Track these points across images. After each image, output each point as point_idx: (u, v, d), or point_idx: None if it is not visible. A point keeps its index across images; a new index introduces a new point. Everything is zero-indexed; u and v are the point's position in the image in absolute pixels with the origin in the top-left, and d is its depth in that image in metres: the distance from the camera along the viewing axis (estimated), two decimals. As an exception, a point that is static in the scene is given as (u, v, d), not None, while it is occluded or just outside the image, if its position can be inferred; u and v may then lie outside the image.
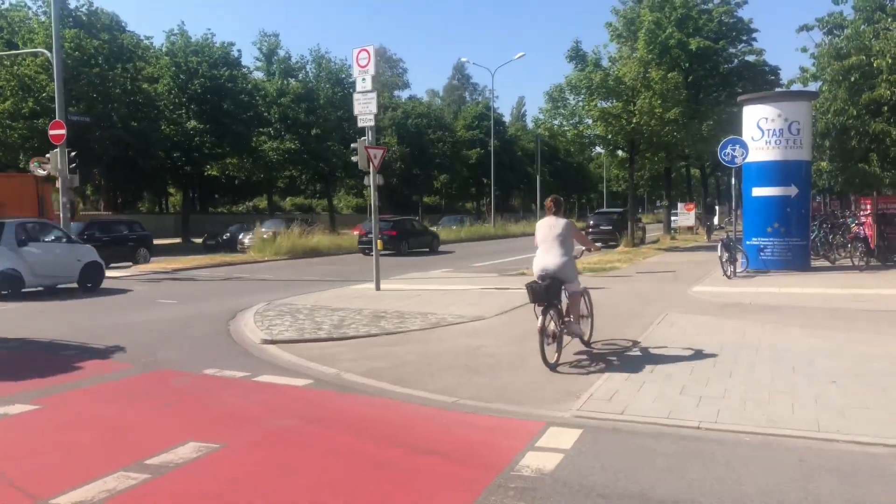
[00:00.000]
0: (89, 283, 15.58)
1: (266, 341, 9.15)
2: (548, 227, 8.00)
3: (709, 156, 35.31)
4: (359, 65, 14.59)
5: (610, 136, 25.71)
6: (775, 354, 7.79)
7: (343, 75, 54.65)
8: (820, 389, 6.39)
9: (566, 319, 7.95)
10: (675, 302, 12.13)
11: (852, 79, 17.43)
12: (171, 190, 57.19)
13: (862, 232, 16.13)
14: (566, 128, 26.45)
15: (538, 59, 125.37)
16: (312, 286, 15.86)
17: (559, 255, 7.83)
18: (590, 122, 25.74)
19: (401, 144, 57.97)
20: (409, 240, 27.89)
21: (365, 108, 14.66)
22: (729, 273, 15.02)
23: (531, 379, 7.14)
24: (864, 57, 17.12)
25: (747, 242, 16.27)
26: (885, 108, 17.15)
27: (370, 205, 14.81)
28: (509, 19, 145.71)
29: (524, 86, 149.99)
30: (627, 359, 7.81)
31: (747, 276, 15.27)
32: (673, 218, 40.71)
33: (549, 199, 8.24)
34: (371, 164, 14.54)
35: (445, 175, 67.04)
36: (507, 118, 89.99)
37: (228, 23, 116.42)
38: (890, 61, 16.45)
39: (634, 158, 27.01)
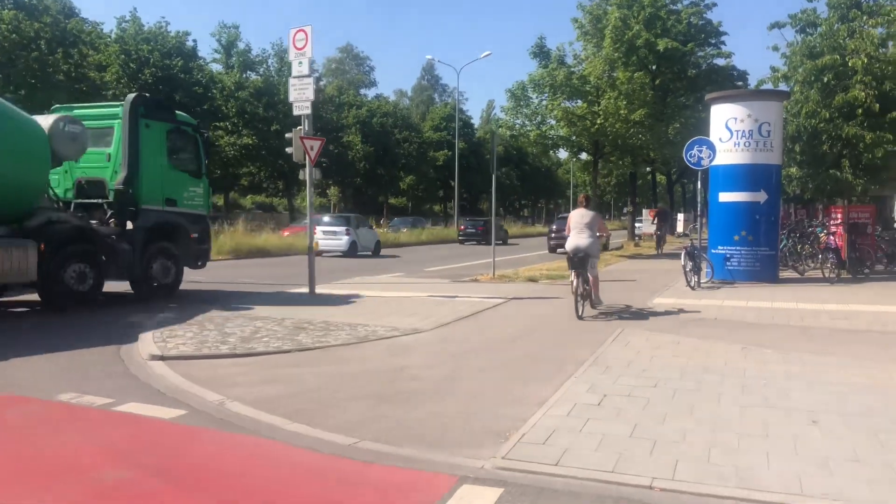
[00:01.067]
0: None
1: (154, 357, 7.77)
2: (579, 216, 11.17)
3: (675, 161, 34.56)
4: (295, 47, 13.29)
5: (574, 138, 24.66)
6: (744, 383, 6.66)
7: (305, 71, 53.08)
8: (798, 430, 5.25)
9: (587, 285, 10.89)
10: (633, 314, 11.00)
11: (825, 79, 16.55)
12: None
13: (833, 242, 15.24)
14: (529, 128, 25.35)
15: (511, 63, 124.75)
16: (245, 290, 14.47)
17: (587, 237, 10.98)
18: (553, 122, 24.69)
19: (365, 143, 56.55)
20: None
21: (301, 95, 13.35)
22: (693, 284, 13.99)
23: (457, 409, 5.92)
24: (837, 56, 16.24)
25: (713, 251, 15.27)
26: (860, 110, 16.29)
27: (308, 202, 13.51)
28: (482, 20, 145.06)
29: (495, 89, 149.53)
30: (573, 386, 6.62)
31: (712, 287, 14.25)
32: (637, 224, 39.94)
33: (581, 195, 12.42)
34: (307, 157, 13.24)
35: (412, 176, 65.81)
36: (476, 121, 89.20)
37: (185, 12, 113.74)
38: (865, 61, 15.60)
39: (598, 161, 26.03)
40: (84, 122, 11.93)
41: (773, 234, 14.97)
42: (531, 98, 24.77)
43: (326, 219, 28.10)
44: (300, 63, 13.28)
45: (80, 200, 12.49)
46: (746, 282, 14.64)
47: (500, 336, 9.39)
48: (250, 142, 43.54)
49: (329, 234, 26.35)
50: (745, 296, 12.94)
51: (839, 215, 15.79)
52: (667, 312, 11.19)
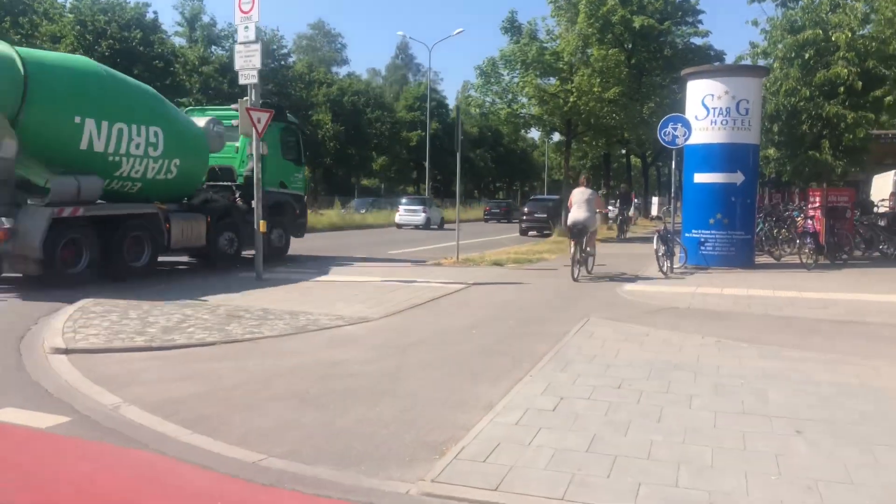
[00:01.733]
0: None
1: (57, 350, 6.83)
2: (580, 194, 12.82)
3: (650, 143, 33.92)
4: (241, 10, 12.22)
5: (546, 117, 23.80)
6: (718, 382, 5.91)
7: (274, 46, 51.78)
8: (781, 444, 4.51)
9: (586, 249, 12.76)
10: (600, 303, 10.25)
11: (806, 55, 15.82)
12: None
13: (811, 227, 14.61)
14: (500, 106, 24.44)
15: (487, 43, 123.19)
16: (193, 274, 13.50)
17: (586, 212, 12.55)
18: (524, 100, 23.81)
19: (335, 122, 55.22)
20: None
21: (247, 63, 12.33)
22: (665, 269, 13.28)
23: (392, 415, 5.11)
24: (820, 31, 15.51)
25: (687, 235, 14.57)
26: (842, 88, 15.60)
27: (255, 178, 12.49)
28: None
29: (471, 70, 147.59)
30: (527, 387, 5.82)
31: (685, 273, 13.56)
32: (610, 207, 39.32)
33: (583, 176, 14.16)
34: (255, 130, 12.26)
35: (384, 157, 64.61)
36: (451, 101, 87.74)
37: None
38: (849, 35, 14.91)
39: (571, 142, 25.25)
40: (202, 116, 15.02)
41: (750, 218, 14.30)
42: (502, 75, 23.86)
43: (405, 200, 36.55)
44: (246, 28, 12.23)
45: (213, 183, 15.16)
46: (721, 267, 13.97)
47: (456, 326, 8.58)
48: (215, 119, 42.07)
49: (410, 212, 33.68)
50: (719, 282, 12.25)
51: (817, 199, 15.17)
52: (637, 301, 10.45)
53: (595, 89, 21.53)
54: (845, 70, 15.31)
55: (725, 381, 5.96)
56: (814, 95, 16.28)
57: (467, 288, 11.79)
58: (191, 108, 15.95)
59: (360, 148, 58.62)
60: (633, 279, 10.45)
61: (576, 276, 12.37)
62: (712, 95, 13.85)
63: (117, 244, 12.02)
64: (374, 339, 7.72)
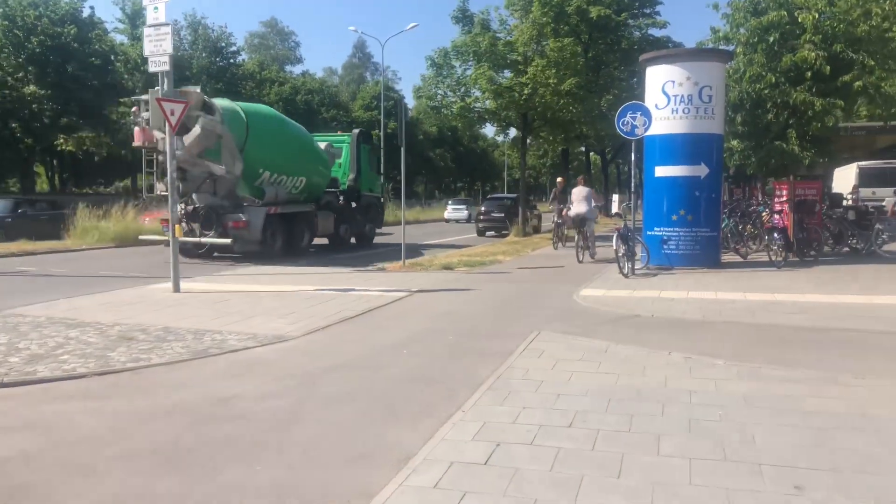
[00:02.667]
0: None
1: None
2: (579, 192, 15.71)
3: (609, 139, 33.10)
4: (148, -12, 10.84)
5: (501, 111, 22.67)
6: (692, 416, 4.80)
7: (223, 44, 49.99)
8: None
9: (588, 236, 14.77)
10: (554, 312, 9.12)
11: (771, 39, 14.92)
12: (38, 170, 50.72)
13: (779, 222, 13.71)
14: (452, 99, 23.26)
15: (445, 41, 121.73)
16: (104, 284, 12.04)
17: (585, 206, 15.29)
18: (478, 93, 22.65)
19: (288, 122, 53.44)
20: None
21: (157, 48, 10.97)
22: (626, 270, 12.26)
23: (271, 479, 3.90)
24: (785, 13, 14.62)
25: (648, 233, 13.56)
26: (809, 73, 14.72)
27: (169, 179, 11.13)
28: None
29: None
30: (456, 429, 4.64)
31: (647, 275, 12.55)
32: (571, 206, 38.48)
33: (581, 177, 18.20)
34: (167, 124, 10.89)
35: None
36: (409, 101, 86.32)
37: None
38: (816, 16, 14.06)
39: (527, 137, 24.18)
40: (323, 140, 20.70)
41: (715, 214, 13.33)
42: (454, 67, 22.69)
43: (452, 201, 48.48)
44: (155, 9, 10.86)
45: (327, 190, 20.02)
46: (686, 267, 12.99)
47: (385, 344, 7.37)
48: (159, 119, 40.19)
49: (457, 210, 44.19)
50: (685, 284, 11.23)
51: (784, 192, 14.30)
52: (595, 308, 9.33)
53: (550, 81, 20.46)
54: (812, 54, 14.41)
55: (700, 413, 4.85)
56: (779, 82, 15.35)
57: (409, 296, 10.59)
58: (313, 135, 20.57)
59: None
60: (570, 312, 8.78)
61: (581, 259, 14.68)
62: (673, 82, 12.85)
63: (293, 231, 17.77)
64: (282, 365, 6.47)
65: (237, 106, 16.37)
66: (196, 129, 14.85)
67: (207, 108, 15.35)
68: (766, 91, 15.54)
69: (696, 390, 5.40)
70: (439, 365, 6.41)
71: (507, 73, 23.08)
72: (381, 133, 47.72)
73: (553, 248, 18.88)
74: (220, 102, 16.03)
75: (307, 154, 18.26)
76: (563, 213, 18.06)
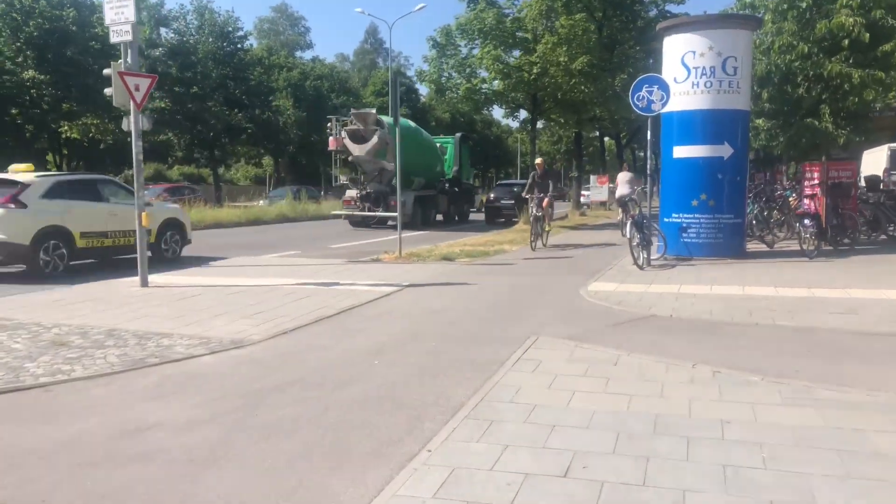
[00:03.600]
0: None
1: None
2: (624, 176, 18.49)
3: (624, 122, 31.73)
4: (107, -51, 9.76)
5: (510, 93, 21.41)
6: (726, 460, 3.67)
7: (229, 28, 48.93)
8: None
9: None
10: (557, 311, 7.96)
11: (804, 4, 13.57)
12: (49, 157, 50.01)
13: (811, 207, 12.44)
14: (457, 81, 22.02)
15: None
16: (72, 278, 11.03)
17: (629, 188, 16.95)
18: (484, 74, 21.40)
19: (297, 108, 52.44)
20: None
21: (119, 16, 9.92)
22: (641, 262, 11.08)
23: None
24: (819, -26, 13.29)
25: (665, 220, 12.36)
26: (846, 42, 13.32)
27: (135, 162, 10.09)
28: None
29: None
30: (414, 480, 3.53)
31: (665, 266, 11.36)
32: (585, 193, 37.12)
33: (625, 163, 29.08)
34: (132, 100, 9.82)
35: (352, 144, 61.80)
36: (421, 87, 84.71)
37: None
38: (853, -22, 12.68)
39: (537, 119, 22.90)
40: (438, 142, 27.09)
41: (740, 198, 12.08)
42: (459, 47, 21.44)
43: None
44: (116, -28, 9.77)
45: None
46: (707, 257, 11.78)
47: (357, 351, 6.28)
48: (163, 105, 39.30)
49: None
50: (707, 277, 10.03)
51: (816, 174, 13.02)
52: (604, 307, 8.16)
53: (561, 59, 19.17)
54: (850, 20, 12.98)
55: (737, 455, 3.71)
56: (812, 52, 13.93)
57: (398, 292, 9.48)
58: (433, 137, 26.57)
59: (325, 135, 55.73)
60: (575, 312, 7.66)
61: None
62: (694, 53, 11.59)
63: (427, 209, 23.67)
64: (226, 381, 5.39)
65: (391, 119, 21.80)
66: (374, 139, 21.37)
67: (379, 123, 21.58)
68: (797, 63, 14.13)
69: (729, 420, 4.25)
70: (413, 381, 5.30)
71: (516, 54, 21.83)
72: (396, 117, 46.42)
73: (531, 249, 14.46)
74: (385, 119, 21.18)
75: (432, 153, 25.09)
76: (545, 203, 15.01)
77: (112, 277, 10.98)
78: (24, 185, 11.30)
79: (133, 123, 10.00)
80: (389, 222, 22.65)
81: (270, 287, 9.96)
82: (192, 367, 5.83)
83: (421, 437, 4.10)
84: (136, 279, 10.11)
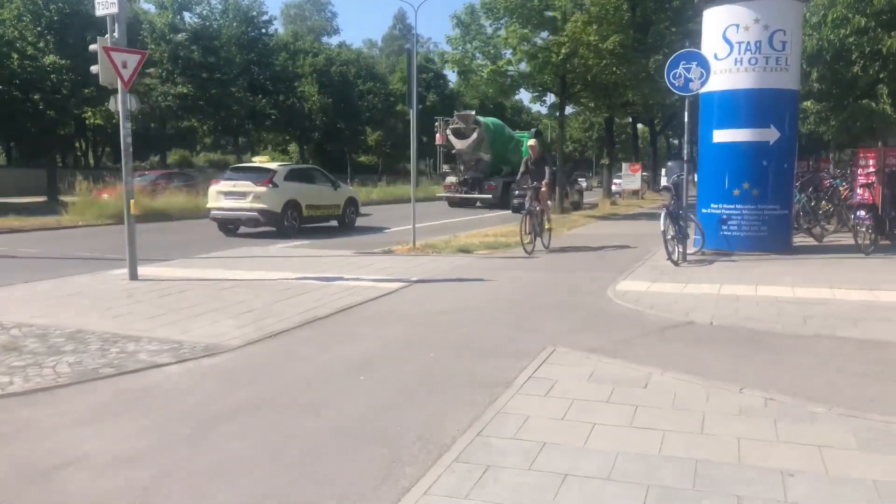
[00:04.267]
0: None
1: None
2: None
3: (658, 107, 30.42)
4: (90, -88, 8.97)
5: (536, 75, 20.33)
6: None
7: (254, 13, 48.46)
8: None
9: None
10: (579, 315, 7.00)
11: (861, -28, 12.34)
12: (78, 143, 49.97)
13: (866, 198, 11.29)
14: (482, 63, 21.01)
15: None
16: (65, 268, 10.36)
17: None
18: (509, 55, 20.33)
19: (322, 94, 51.75)
20: None
21: (104, -14, 9.12)
22: (676, 257, 10.06)
23: None
24: (879, -61, 12.00)
25: (703, 211, 11.30)
26: (909, 14, 12.07)
27: (123, 146, 9.34)
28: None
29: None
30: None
31: (702, 262, 10.33)
32: (616, 181, 35.88)
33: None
34: (119, 78, 9.06)
35: (379, 132, 60.98)
36: (450, 73, 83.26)
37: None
38: (920, -60, 11.38)
39: (565, 102, 21.79)
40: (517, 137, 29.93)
41: (787, 187, 10.95)
42: (483, 26, 20.43)
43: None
44: (101, -63, 8.99)
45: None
46: (750, 252, 10.70)
47: (342, 362, 5.42)
48: (186, 91, 38.86)
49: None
50: (751, 275, 8.98)
51: (871, 161, 11.84)
52: (634, 310, 7.17)
53: (591, 38, 18.06)
54: (915, -12, 11.79)
55: (809, 531, 2.77)
56: (869, 26, 12.67)
57: (404, 289, 8.61)
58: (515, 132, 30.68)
59: (350, 121, 55.09)
60: (599, 316, 6.50)
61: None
62: (737, 26, 10.48)
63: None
64: (183, 399, 4.57)
65: (485, 119, 28.04)
66: (474, 135, 26.38)
67: (477, 123, 26.64)
68: (852, 38, 12.82)
69: (792, 470, 3.31)
70: (400, 405, 4.42)
71: (544, 35, 20.74)
72: (414, 106, 45.51)
73: (525, 252, 11.64)
74: (482, 119, 27.40)
75: (516, 145, 28.05)
76: (542, 193, 12.19)
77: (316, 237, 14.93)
78: (274, 171, 15.64)
79: (120, 103, 9.24)
80: (478, 203, 27.23)
81: (267, 282, 9.15)
82: (151, 379, 5.02)
83: (396, 488, 3.23)
84: (125, 271, 9.40)
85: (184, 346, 5.87)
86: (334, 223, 17.47)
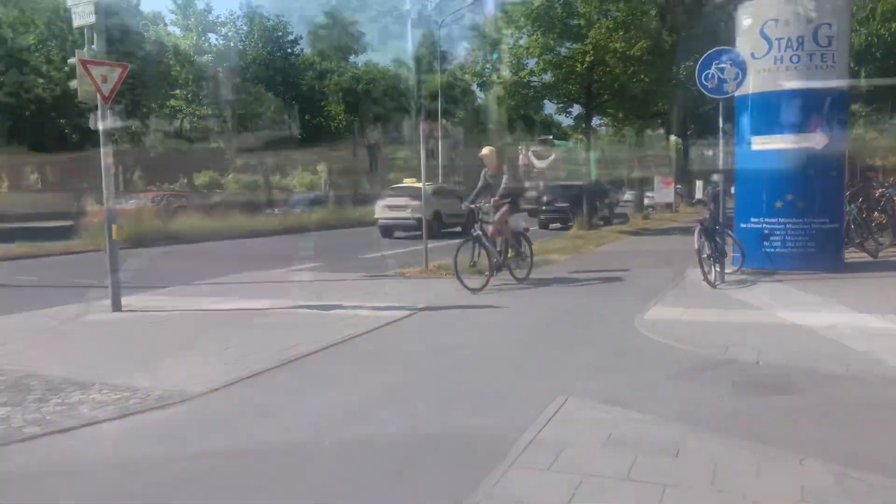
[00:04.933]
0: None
1: None
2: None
3: (690, 118, 29.25)
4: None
5: (560, 85, 19.42)
6: None
7: (279, 33, 48.47)
8: None
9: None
10: (599, 352, 6.02)
11: (915, -42, 11.26)
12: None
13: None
14: (503, 72, 20.19)
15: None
16: (53, 297, 9.67)
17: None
18: (531, 65, 19.46)
19: (348, 113, 51.44)
20: None
21: (80, -5, 8.48)
22: (713, 277, 9.01)
23: None
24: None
25: (742, 226, 10.24)
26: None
27: (103, 166, 8.67)
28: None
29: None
30: None
31: (743, 282, 9.27)
32: (648, 194, 34.68)
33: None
34: (98, 93, 8.40)
35: (407, 150, 60.62)
36: (478, 90, 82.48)
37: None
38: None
39: (591, 113, 20.83)
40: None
41: (836, 199, 9.86)
42: (505, 35, 19.61)
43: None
44: (78, -57, 8.37)
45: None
46: (795, 271, 9.62)
47: (315, 418, 4.55)
48: (209, 112, 38.77)
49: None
50: (799, 299, 7.91)
51: (930, 168, 10.72)
52: (665, 344, 6.16)
53: (617, 45, 17.12)
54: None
55: None
56: (924, 18, 11.59)
57: (407, 318, 7.74)
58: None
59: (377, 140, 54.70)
60: (624, 353, 5.42)
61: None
62: (776, 21, 9.48)
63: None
64: (91, 483, 3.73)
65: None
66: (552, 156, 29.64)
67: (554, 145, 29.93)
68: (904, 32, 11.75)
69: None
70: (365, 487, 3.51)
71: (569, 45, 19.86)
72: (439, 119, 44.78)
73: (468, 290, 9.20)
74: (557, 142, 29.49)
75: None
76: (500, 214, 9.78)
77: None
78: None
79: (99, 121, 8.56)
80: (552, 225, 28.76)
81: (255, 312, 8.34)
82: (73, 446, 4.18)
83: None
84: (134, 298, 8.72)
85: (137, 394, 5.05)
86: (458, 229, 20.19)
